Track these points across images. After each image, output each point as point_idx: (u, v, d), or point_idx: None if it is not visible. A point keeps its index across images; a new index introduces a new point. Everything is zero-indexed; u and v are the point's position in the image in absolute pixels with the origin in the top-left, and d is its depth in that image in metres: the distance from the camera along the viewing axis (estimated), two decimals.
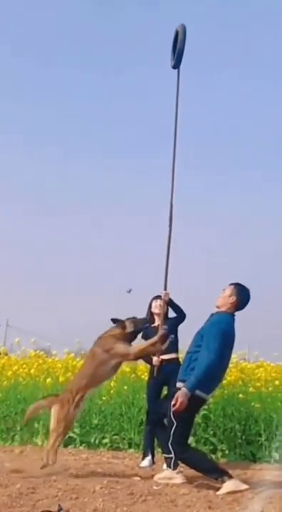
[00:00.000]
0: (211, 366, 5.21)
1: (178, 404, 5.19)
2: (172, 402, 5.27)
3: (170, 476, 5.52)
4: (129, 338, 6.05)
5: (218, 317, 5.44)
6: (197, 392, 5.26)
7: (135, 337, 6.14)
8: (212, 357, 5.20)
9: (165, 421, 5.52)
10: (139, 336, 6.42)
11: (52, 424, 5.95)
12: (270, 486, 5.38)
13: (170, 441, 5.32)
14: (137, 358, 6.27)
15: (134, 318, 6.24)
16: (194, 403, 5.33)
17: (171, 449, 5.37)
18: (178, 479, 5.48)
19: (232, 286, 5.48)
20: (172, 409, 5.24)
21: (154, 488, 5.17)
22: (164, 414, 5.46)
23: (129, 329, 6.03)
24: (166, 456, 5.60)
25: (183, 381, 5.36)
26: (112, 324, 6.12)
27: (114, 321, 6.09)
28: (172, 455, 5.44)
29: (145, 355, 6.47)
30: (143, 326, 6.32)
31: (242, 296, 5.47)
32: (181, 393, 5.21)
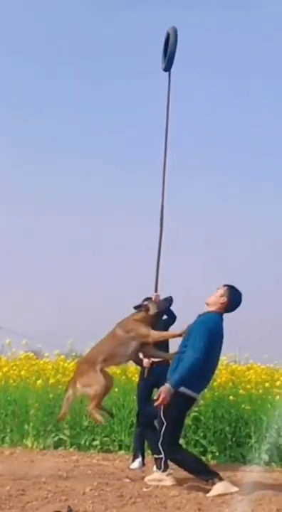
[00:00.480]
0: (195, 364, 5.20)
1: (160, 400, 5.20)
2: (155, 398, 5.28)
3: (160, 478, 5.52)
4: (153, 320, 5.89)
5: (205, 317, 5.45)
6: (184, 389, 5.24)
7: (159, 319, 6.03)
8: (197, 355, 5.20)
9: (155, 422, 5.52)
10: None
11: (91, 392, 5.75)
12: (259, 488, 5.39)
13: (160, 441, 5.33)
14: (155, 341, 6.01)
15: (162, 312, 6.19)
16: (184, 402, 5.33)
17: (161, 449, 5.37)
18: (168, 481, 5.48)
19: (225, 288, 5.48)
20: (155, 404, 5.25)
21: (144, 490, 5.18)
22: (155, 415, 5.46)
23: (152, 311, 5.88)
24: (156, 456, 5.60)
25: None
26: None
27: (137, 307, 5.97)
28: (162, 455, 5.44)
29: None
30: (167, 306, 6.18)
31: (233, 298, 5.47)
32: (164, 389, 5.21)
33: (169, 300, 6.04)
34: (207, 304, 5.53)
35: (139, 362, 6.80)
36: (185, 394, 5.28)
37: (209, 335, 5.28)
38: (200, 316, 5.52)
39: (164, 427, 5.28)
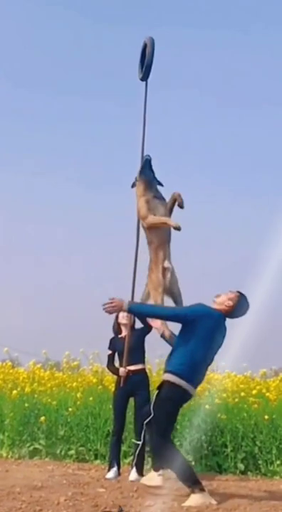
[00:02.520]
0: (159, 311, 5.38)
1: (109, 302, 5.26)
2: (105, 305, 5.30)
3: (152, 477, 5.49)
4: (146, 184, 6.36)
5: (205, 306, 5.43)
6: (178, 380, 5.17)
7: (147, 174, 6.43)
8: (167, 309, 5.25)
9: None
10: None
11: None
12: (235, 497, 5.40)
13: (144, 431, 5.29)
14: (149, 224, 6.31)
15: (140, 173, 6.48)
16: (177, 394, 5.23)
17: (142, 437, 5.32)
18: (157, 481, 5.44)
19: (237, 294, 5.42)
20: (103, 306, 5.28)
21: (120, 499, 5.15)
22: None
23: (138, 176, 6.40)
24: (135, 441, 5.44)
25: (167, 371, 5.30)
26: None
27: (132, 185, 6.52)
28: (140, 443, 5.35)
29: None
30: (143, 164, 6.44)
31: (239, 306, 5.40)
32: (119, 300, 5.29)
33: (145, 158, 6.46)
34: (214, 301, 5.48)
35: (115, 371, 6.81)
36: (175, 384, 5.17)
37: (195, 315, 5.24)
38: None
39: (153, 418, 5.19)
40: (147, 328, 6.66)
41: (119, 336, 6.87)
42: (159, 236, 6.28)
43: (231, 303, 5.38)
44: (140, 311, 5.57)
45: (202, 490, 5.06)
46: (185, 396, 5.34)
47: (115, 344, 6.87)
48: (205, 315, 5.30)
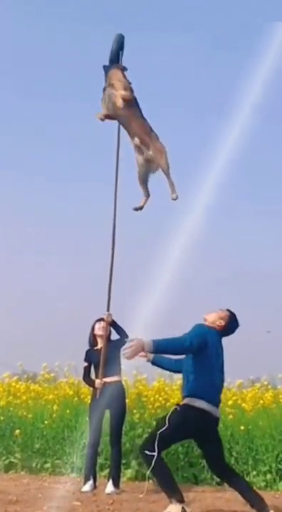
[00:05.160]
0: (178, 342, 5.06)
1: (129, 347, 4.92)
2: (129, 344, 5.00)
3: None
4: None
5: (200, 326, 5.37)
6: (190, 400, 5.10)
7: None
8: (186, 341, 5.09)
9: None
10: None
11: None
12: (212, 508, 5.39)
13: (156, 440, 5.00)
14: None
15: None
16: (189, 412, 5.12)
17: (156, 446, 5.10)
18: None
19: (227, 313, 5.42)
20: (123, 351, 5.00)
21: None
22: None
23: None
24: (149, 453, 5.29)
25: (186, 396, 5.20)
26: None
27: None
28: (155, 453, 5.15)
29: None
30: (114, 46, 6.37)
31: (230, 326, 5.40)
32: (137, 339, 4.96)
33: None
34: (205, 320, 5.44)
35: (91, 383, 6.78)
36: (195, 406, 5.12)
37: (202, 335, 5.19)
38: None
39: (161, 428, 5.04)
40: (124, 339, 6.64)
41: (95, 347, 6.84)
42: (122, 122, 6.14)
43: (223, 322, 5.37)
44: (163, 350, 5.17)
45: (180, 501, 4.98)
46: (205, 417, 5.18)
47: (90, 356, 6.85)
48: (208, 335, 5.25)
